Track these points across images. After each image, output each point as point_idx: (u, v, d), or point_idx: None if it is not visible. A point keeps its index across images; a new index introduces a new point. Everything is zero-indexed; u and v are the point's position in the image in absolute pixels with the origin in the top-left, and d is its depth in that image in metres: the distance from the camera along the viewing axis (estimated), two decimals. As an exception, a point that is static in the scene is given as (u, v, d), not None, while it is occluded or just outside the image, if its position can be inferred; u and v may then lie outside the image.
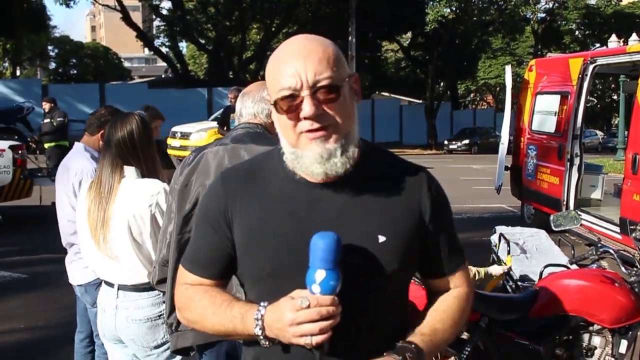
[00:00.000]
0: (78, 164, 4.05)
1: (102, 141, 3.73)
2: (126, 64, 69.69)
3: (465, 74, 44.20)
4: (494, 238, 6.07)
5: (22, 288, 7.63)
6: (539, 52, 42.81)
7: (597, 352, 4.09)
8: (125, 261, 3.14)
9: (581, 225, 6.00)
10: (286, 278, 1.63)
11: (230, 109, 10.34)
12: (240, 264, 1.77)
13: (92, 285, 3.93)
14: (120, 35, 70.97)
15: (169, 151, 19.95)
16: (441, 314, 1.78)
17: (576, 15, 45.97)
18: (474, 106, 62.17)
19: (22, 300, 7.13)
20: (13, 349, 5.77)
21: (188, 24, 38.13)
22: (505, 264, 5.40)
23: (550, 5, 46.21)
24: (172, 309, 2.71)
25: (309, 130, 1.62)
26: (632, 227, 7.89)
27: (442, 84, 46.07)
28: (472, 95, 63.67)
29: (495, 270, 4.79)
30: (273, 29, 40.00)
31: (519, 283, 5.16)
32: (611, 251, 4.49)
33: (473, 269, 4.68)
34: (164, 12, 41.12)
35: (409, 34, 44.61)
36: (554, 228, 5.32)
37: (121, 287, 3.20)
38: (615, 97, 50.72)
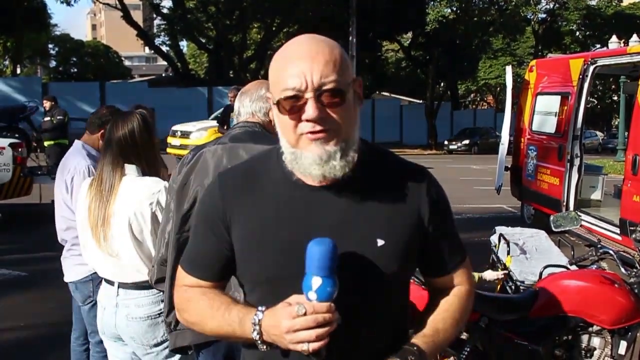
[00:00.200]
0: (73, 161, 4.05)
1: (102, 141, 3.73)
2: (127, 63, 69.69)
3: (465, 74, 44.16)
4: (494, 238, 6.06)
5: (22, 286, 7.63)
6: (540, 53, 42.84)
7: (597, 353, 4.09)
8: (126, 259, 3.14)
9: (581, 226, 6.00)
10: (285, 282, 1.62)
11: (231, 108, 10.34)
12: (238, 267, 1.76)
13: (82, 282, 3.93)
14: (120, 34, 70.92)
15: (169, 150, 19.99)
16: (443, 314, 1.78)
17: (577, 16, 45.99)
18: (474, 106, 62.17)
19: (22, 298, 7.13)
20: (12, 347, 5.77)
21: (189, 23, 38.12)
22: (501, 268, 5.40)
23: (551, 5, 46.21)
24: (170, 307, 2.71)
25: (310, 132, 1.60)
26: (632, 228, 7.89)
27: (442, 84, 46.06)
28: (472, 95, 63.68)
29: (490, 275, 4.78)
30: (274, 29, 39.99)
31: (519, 283, 5.16)
32: (611, 252, 4.49)
33: None
34: (165, 10, 41.13)
35: (410, 34, 44.57)
36: (553, 229, 5.32)
37: (121, 285, 3.20)
38: (615, 98, 50.70)
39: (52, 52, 55.61)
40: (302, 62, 1.59)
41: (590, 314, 4.06)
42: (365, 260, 1.65)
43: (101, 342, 3.78)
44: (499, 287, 4.98)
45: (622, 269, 4.36)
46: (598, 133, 48.40)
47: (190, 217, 2.64)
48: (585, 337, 4.11)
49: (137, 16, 48.07)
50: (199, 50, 47.10)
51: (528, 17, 43.61)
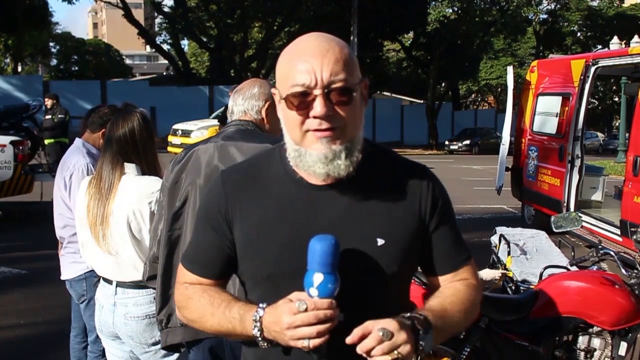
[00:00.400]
0: (72, 159, 4.05)
1: (102, 140, 3.72)
2: (128, 61, 69.68)
3: (466, 75, 44.16)
4: (494, 239, 6.06)
5: (22, 284, 7.63)
6: (541, 54, 42.87)
7: (597, 354, 4.09)
8: (125, 258, 3.14)
9: (582, 227, 6.00)
10: (286, 280, 1.62)
11: (232, 107, 10.32)
12: (240, 265, 1.76)
13: (77, 280, 3.95)
14: (122, 33, 70.96)
15: (170, 149, 20.00)
16: (450, 297, 1.74)
17: (578, 16, 45.99)
18: (475, 107, 62.18)
19: (22, 296, 7.13)
20: (12, 345, 5.77)
21: (190, 22, 38.10)
22: (501, 268, 5.40)
23: (552, 6, 46.21)
24: (162, 305, 2.73)
25: (317, 130, 1.60)
26: (632, 229, 7.89)
27: (443, 84, 46.05)
28: (473, 95, 63.69)
29: (487, 274, 4.77)
30: (275, 28, 39.99)
31: (519, 284, 5.15)
32: (611, 253, 4.49)
33: None
34: (166, 9, 41.11)
35: (411, 34, 44.61)
36: (554, 229, 5.32)
37: (120, 284, 3.20)
38: (616, 99, 50.70)
39: (53, 50, 55.66)
40: (312, 59, 1.59)
41: (590, 315, 4.06)
42: (365, 259, 1.66)
43: (97, 341, 3.78)
44: (500, 282, 4.97)
45: (623, 270, 4.36)
46: (599, 134, 48.38)
47: (182, 215, 2.67)
48: (585, 338, 4.11)
49: (139, 15, 48.13)
50: (200, 49, 47.10)
51: (529, 17, 43.56)
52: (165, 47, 43.52)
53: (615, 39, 12.31)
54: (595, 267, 4.52)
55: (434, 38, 37.57)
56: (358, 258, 1.65)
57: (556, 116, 10.64)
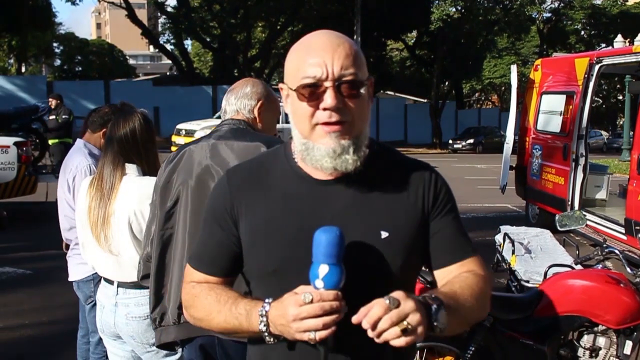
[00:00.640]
0: (74, 161, 4.05)
1: (103, 140, 3.72)
2: (131, 62, 69.75)
3: (470, 73, 44.13)
4: (499, 238, 6.06)
5: (27, 284, 7.65)
6: (544, 52, 42.79)
7: (602, 352, 4.08)
8: (126, 258, 3.14)
9: (586, 225, 5.99)
10: (292, 274, 1.63)
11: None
12: (246, 261, 1.77)
13: (84, 281, 3.95)
14: (125, 33, 71.06)
15: (173, 148, 20.01)
16: (458, 283, 1.70)
17: (582, 15, 45.89)
18: (478, 105, 62.15)
19: (27, 296, 7.15)
20: (17, 345, 5.79)
21: (193, 22, 38.15)
22: (506, 267, 5.40)
23: (556, 5, 46.16)
24: (155, 304, 2.74)
25: (326, 123, 1.62)
26: (637, 227, 7.89)
27: (447, 83, 46.02)
28: (477, 94, 63.61)
29: None
30: (278, 27, 40.01)
31: (523, 283, 5.15)
32: (616, 252, 4.48)
33: None
34: (169, 9, 41.17)
35: (414, 33, 44.58)
36: (559, 228, 5.31)
37: (121, 285, 3.19)
38: (620, 97, 50.65)
39: (56, 50, 55.71)
40: (323, 52, 1.62)
41: (595, 313, 4.06)
42: (370, 252, 1.66)
43: (100, 343, 3.78)
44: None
45: (628, 269, 4.36)
46: (603, 132, 48.27)
47: (173, 215, 2.68)
48: (590, 337, 4.10)
49: (142, 15, 48.19)
50: (203, 48, 47.14)
51: (533, 16, 43.50)
52: (169, 47, 43.60)
53: (619, 37, 12.28)
54: (600, 265, 4.51)
55: (438, 37, 37.56)
56: (363, 251, 1.65)
57: (560, 115, 10.63)
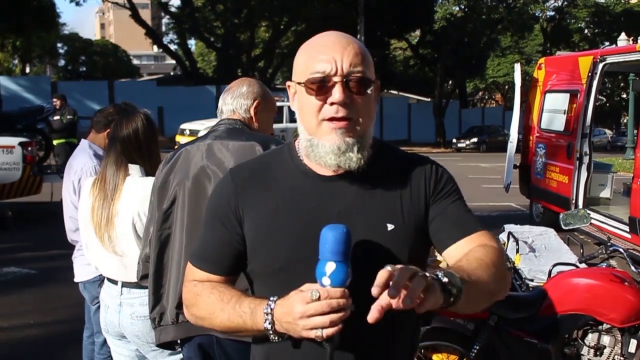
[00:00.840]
0: (79, 162, 4.06)
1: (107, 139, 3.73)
2: (135, 62, 69.86)
3: (473, 72, 44.07)
4: (503, 236, 6.06)
5: (32, 284, 7.67)
6: (548, 51, 42.73)
7: (607, 351, 4.08)
8: (130, 258, 3.14)
9: (590, 224, 5.98)
10: (297, 272, 1.63)
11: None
12: (251, 260, 1.77)
13: (91, 282, 3.96)
14: (129, 33, 71.12)
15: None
16: (466, 257, 1.66)
17: (585, 13, 45.78)
18: (482, 104, 62.08)
19: (32, 296, 7.16)
20: (22, 345, 5.79)
21: (197, 22, 38.20)
22: (510, 266, 5.39)
23: (560, 3, 46.05)
24: (154, 304, 2.74)
25: (333, 118, 1.64)
26: (641, 226, 7.88)
27: (450, 82, 45.96)
28: (480, 93, 63.56)
29: None
30: (282, 27, 40.03)
31: (528, 281, 5.15)
32: (621, 250, 4.48)
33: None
34: (173, 9, 41.21)
35: (418, 32, 44.53)
36: (563, 227, 5.31)
37: (125, 285, 3.19)
38: (624, 95, 50.53)
39: (61, 51, 55.79)
40: (333, 49, 1.66)
41: (600, 312, 4.05)
42: (377, 246, 1.67)
43: (105, 344, 3.79)
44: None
45: (632, 267, 4.35)
46: (607, 131, 48.21)
47: (171, 215, 2.69)
48: (595, 336, 4.10)
49: (146, 15, 48.23)
50: (207, 48, 47.20)
51: (536, 14, 43.43)
52: (173, 47, 43.64)
53: (623, 36, 12.23)
54: (605, 264, 4.51)
55: (441, 36, 37.49)
56: (369, 245, 1.66)
57: (564, 113, 10.62)
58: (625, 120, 51.18)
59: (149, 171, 3.22)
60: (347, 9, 35.61)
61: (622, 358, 4.05)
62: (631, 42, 10.17)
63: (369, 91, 1.68)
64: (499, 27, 40.17)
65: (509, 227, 6.23)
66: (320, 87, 1.64)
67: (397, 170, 1.78)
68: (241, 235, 1.76)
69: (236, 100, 2.82)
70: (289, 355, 1.69)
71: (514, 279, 5.13)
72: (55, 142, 14.18)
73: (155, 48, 59.72)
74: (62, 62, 57.43)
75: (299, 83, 1.70)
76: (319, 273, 1.52)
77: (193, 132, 20.40)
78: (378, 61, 40.15)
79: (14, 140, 10.88)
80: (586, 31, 50.28)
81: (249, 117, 2.82)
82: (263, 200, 1.75)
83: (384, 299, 1.37)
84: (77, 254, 4.07)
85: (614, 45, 11.09)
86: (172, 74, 52.57)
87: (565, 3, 45.57)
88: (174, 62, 46.87)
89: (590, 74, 9.79)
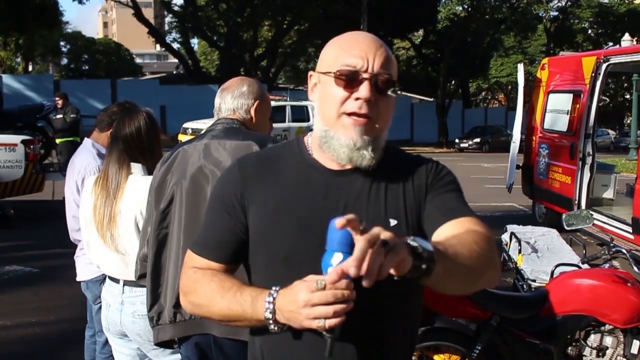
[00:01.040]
0: (82, 161, 4.05)
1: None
2: (138, 60, 69.85)
3: (477, 72, 44.09)
4: (505, 237, 6.05)
5: (34, 282, 7.67)
6: (551, 51, 42.71)
7: (609, 352, 4.07)
8: (132, 257, 3.14)
9: (593, 224, 5.98)
10: (302, 263, 1.62)
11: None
12: (254, 250, 1.77)
13: (93, 281, 3.94)
14: (132, 32, 71.25)
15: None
16: (450, 239, 1.62)
17: (589, 13, 45.79)
18: (485, 104, 62.06)
19: (34, 295, 7.16)
20: (24, 343, 5.79)
21: (199, 20, 38.20)
22: (512, 267, 5.38)
23: (563, 3, 46.04)
24: (152, 303, 2.74)
25: (354, 114, 1.67)
26: (644, 227, 7.86)
27: (453, 82, 45.97)
28: (483, 93, 63.56)
29: None
30: (284, 26, 40.05)
31: (530, 282, 5.14)
32: (623, 251, 4.47)
33: None
34: (176, 8, 41.25)
35: (421, 32, 44.55)
36: (565, 227, 5.30)
37: (127, 283, 3.19)
38: (627, 96, 50.51)
39: (63, 49, 55.85)
40: (366, 48, 1.69)
41: (602, 313, 4.04)
42: None
43: (107, 343, 3.79)
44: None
45: (635, 268, 4.34)
46: (610, 131, 48.17)
47: (168, 215, 2.69)
48: (597, 337, 4.09)
49: (149, 13, 48.25)
50: (209, 47, 47.20)
51: (540, 14, 43.45)
52: (175, 45, 43.72)
53: (627, 36, 12.22)
54: (607, 265, 4.50)
55: (444, 36, 37.52)
56: None
57: (567, 114, 10.61)
58: (628, 121, 51.11)
59: (151, 170, 3.21)
60: (350, 8, 35.59)
61: (624, 359, 4.04)
62: (635, 43, 10.18)
63: (392, 93, 1.71)
64: (502, 27, 40.18)
65: (511, 228, 6.23)
66: (348, 80, 1.67)
67: (401, 169, 1.80)
68: (245, 225, 1.76)
69: (237, 100, 2.81)
70: (288, 347, 1.69)
71: (516, 279, 5.13)
72: (58, 141, 14.18)
73: (157, 47, 59.87)
74: (64, 61, 57.54)
75: (325, 73, 1.71)
76: (324, 264, 1.49)
77: (195, 131, 20.42)
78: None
79: (16, 138, 10.88)
80: (590, 31, 50.28)
81: (248, 118, 2.81)
82: (269, 191, 1.76)
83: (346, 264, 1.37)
84: (79, 253, 4.07)
85: (617, 46, 11.08)
86: (174, 72, 52.71)
87: (569, 3, 45.58)
88: (176, 61, 46.97)
89: (593, 75, 9.77)
